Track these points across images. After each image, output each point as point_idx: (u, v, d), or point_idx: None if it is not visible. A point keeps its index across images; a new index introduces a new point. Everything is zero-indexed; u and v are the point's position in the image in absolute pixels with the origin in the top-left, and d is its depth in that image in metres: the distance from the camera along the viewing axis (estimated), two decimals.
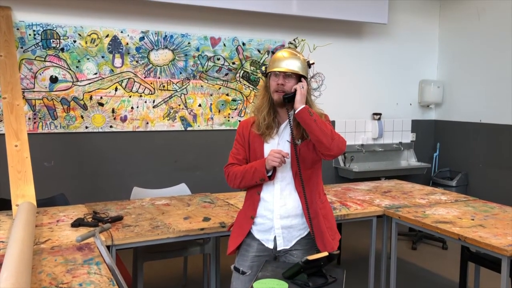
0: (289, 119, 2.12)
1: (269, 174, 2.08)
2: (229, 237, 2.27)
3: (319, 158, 2.17)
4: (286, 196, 2.16)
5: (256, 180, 2.12)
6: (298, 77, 2.11)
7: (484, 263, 3.05)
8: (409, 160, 5.88)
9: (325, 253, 1.81)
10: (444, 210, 3.08)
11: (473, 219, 2.85)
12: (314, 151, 2.13)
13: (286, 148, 2.14)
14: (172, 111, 4.59)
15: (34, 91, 4.03)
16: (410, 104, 5.95)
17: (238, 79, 4.77)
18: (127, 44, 4.34)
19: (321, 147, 2.05)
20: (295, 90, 2.06)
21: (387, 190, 3.74)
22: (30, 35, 3.97)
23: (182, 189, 3.65)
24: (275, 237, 2.16)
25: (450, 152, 5.85)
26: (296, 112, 2.04)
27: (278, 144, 2.15)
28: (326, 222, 2.21)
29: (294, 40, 2.25)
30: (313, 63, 2.17)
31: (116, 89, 4.33)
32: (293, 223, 2.16)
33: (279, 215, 2.15)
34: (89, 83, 4.22)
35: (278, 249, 2.17)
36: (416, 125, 5.97)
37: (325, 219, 2.21)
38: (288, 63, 2.10)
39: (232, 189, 2.45)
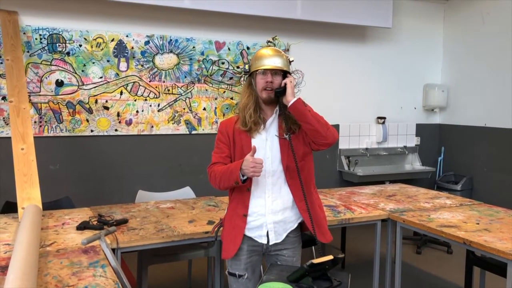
0: (278, 114, 2.17)
1: (245, 178, 2.05)
2: (224, 241, 2.23)
3: (310, 151, 2.20)
4: (277, 190, 2.18)
5: (232, 183, 2.09)
6: (283, 74, 2.14)
7: (489, 267, 3.03)
8: (414, 164, 5.87)
9: (330, 257, 1.81)
10: (449, 214, 3.07)
11: (478, 223, 2.85)
12: (304, 144, 2.17)
13: (275, 142, 2.17)
14: (177, 114, 4.61)
15: (40, 95, 4.06)
16: (415, 108, 5.94)
17: (242, 83, 4.78)
18: (132, 48, 4.36)
19: (317, 136, 2.09)
20: (285, 85, 2.09)
21: (391, 194, 3.74)
22: (36, 39, 4.00)
23: (186, 192, 3.65)
24: (267, 232, 2.17)
25: (454, 156, 5.84)
26: (290, 104, 2.06)
27: (266, 139, 2.17)
28: (321, 212, 2.27)
29: (272, 38, 2.26)
30: (293, 60, 2.20)
31: (121, 93, 4.36)
32: (284, 217, 2.19)
33: (271, 210, 2.17)
34: (95, 87, 4.25)
35: (271, 243, 2.18)
36: (421, 129, 5.97)
37: (320, 209, 2.27)
38: (274, 60, 2.12)
39: None
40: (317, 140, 2.10)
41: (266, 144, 2.17)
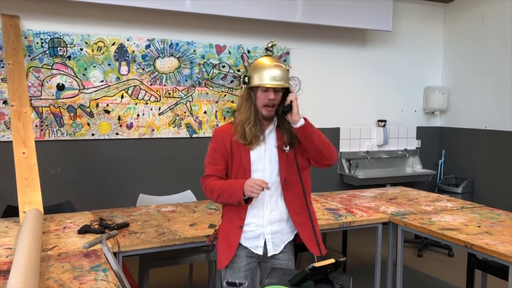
0: (277, 125, 2.15)
1: (246, 197, 2.04)
2: (218, 251, 2.21)
3: (308, 165, 2.20)
4: (275, 202, 2.18)
5: (233, 202, 2.08)
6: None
7: (491, 270, 3.03)
8: (414, 167, 5.87)
9: (332, 260, 1.81)
10: (450, 217, 3.07)
11: (479, 226, 2.84)
12: (303, 158, 2.17)
13: (273, 154, 2.15)
14: (177, 118, 4.61)
15: (41, 99, 4.07)
16: (415, 111, 5.95)
17: (243, 87, 4.79)
18: (133, 52, 4.37)
19: (321, 157, 2.10)
20: (291, 102, 2.04)
21: (392, 197, 3.74)
22: (37, 43, 4.01)
23: (187, 196, 3.66)
24: (265, 243, 2.17)
25: (455, 159, 5.84)
26: (298, 126, 2.04)
27: (265, 150, 2.15)
28: (316, 225, 2.25)
29: (271, 47, 2.21)
30: (290, 68, 2.17)
31: (122, 97, 4.36)
32: (281, 228, 2.20)
33: (269, 220, 2.17)
34: (96, 91, 4.25)
35: (269, 254, 2.19)
36: (421, 132, 5.97)
37: (315, 222, 2.26)
38: (279, 76, 2.06)
39: None
40: (318, 160, 2.12)
41: (265, 156, 2.15)
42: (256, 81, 2.09)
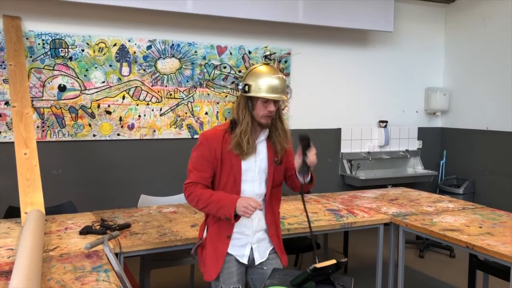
0: (268, 137, 2.17)
1: (235, 213, 2.01)
2: (206, 262, 2.15)
3: (282, 181, 2.29)
4: (261, 212, 2.19)
5: (220, 216, 2.05)
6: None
7: (492, 271, 3.03)
8: (416, 167, 5.86)
9: (333, 261, 1.81)
10: (452, 218, 3.07)
11: (481, 227, 2.84)
12: (282, 174, 2.25)
13: (263, 165, 2.16)
14: (179, 119, 4.61)
15: (42, 100, 4.07)
16: (417, 112, 5.95)
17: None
18: (135, 52, 4.38)
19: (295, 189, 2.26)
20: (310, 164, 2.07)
21: (394, 197, 3.73)
22: (39, 44, 4.02)
23: None
24: (251, 252, 2.18)
25: (456, 159, 5.84)
26: (307, 183, 2.14)
27: (256, 161, 2.13)
28: (280, 238, 2.31)
29: (270, 55, 2.18)
30: (287, 76, 2.20)
31: (123, 98, 4.37)
32: (265, 237, 2.23)
33: (256, 230, 2.19)
34: (97, 92, 4.26)
35: (256, 263, 2.20)
36: (423, 133, 5.96)
37: (279, 235, 2.31)
38: (280, 88, 2.05)
39: None
40: (295, 189, 2.26)
41: (255, 166, 2.14)
42: (256, 91, 2.04)
